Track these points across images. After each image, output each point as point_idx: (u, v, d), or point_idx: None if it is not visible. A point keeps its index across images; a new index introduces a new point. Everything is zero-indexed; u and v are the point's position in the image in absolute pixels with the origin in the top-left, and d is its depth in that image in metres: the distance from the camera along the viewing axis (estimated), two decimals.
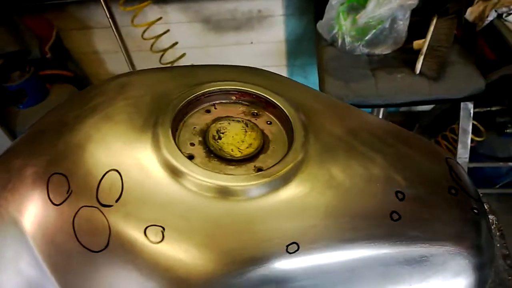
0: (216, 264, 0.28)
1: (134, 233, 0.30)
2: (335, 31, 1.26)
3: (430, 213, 0.32)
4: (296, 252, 0.29)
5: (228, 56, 1.73)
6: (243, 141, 0.37)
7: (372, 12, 1.14)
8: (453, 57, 1.18)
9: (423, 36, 1.22)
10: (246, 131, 0.38)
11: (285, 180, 0.32)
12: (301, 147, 0.34)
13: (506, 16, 1.04)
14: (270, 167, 0.33)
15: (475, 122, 1.35)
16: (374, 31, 1.23)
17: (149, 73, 0.47)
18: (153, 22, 1.41)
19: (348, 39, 1.25)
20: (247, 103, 0.42)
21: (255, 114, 0.41)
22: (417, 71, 1.15)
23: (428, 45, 1.15)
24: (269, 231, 0.29)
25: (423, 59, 1.14)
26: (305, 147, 0.34)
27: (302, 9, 1.52)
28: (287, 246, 0.29)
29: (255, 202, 0.31)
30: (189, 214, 0.31)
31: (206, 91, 0.40)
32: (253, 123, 0.39)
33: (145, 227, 0.30)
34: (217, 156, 0.36)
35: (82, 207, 0.31)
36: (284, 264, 0.28)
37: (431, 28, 1.19)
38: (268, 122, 0.40)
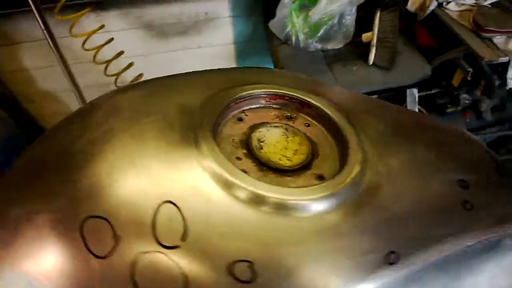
0: None
1: (216, 275, 0.25)
2: (288, 29, 1.28)
3: (493, 195, 0.33)
4: (397, 261, 0.27)
5: (175, 62, 1.67)
6: (286, 148, 0.35)
7: (324, 8, 1.17)
8: (399, 47, 1.26)
9: (370, 29, 1.28)
10: (287, 137, 0.36)
11: (357, 184, 0.31)
12: (358, 146, 0.33)
13: (446, 5, 1.14)
14: (336, 174, 0.31)
15: (418, 106, 1.46)
16: (325, 27, 1.27)
17: (159, 83, 0.43)
18: (95, 31, 1.31)
19: (301, 37, 1.28)
20: (278, 106, 0.40)
21: (289, 117, 0.39)
22: (370, 62, 1.21)
23: (377, 37, 1.22)
24: (364, 243, 0.28)
25: (375, 51, 1.20)
26: (361, 146, 0.33)
27: (250, 9, 1.52)
28: (385, 256, 0.27)
29: (337, 214, 0.28)
30: (274, 241, 0.26)
31: (237, 97, 0.38)
32: (291, 127, 0.38)
33: (228, 264, 0.25)
34: (270, 168, 0.33)
35: (140, 254, 0.25)
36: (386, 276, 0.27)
37: (376, 21, 1.26)
38: (306, 124, 0.38)
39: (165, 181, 0.30)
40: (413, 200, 0.33)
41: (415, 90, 1.37)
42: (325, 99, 0.39)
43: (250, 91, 0.39)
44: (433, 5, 1.15)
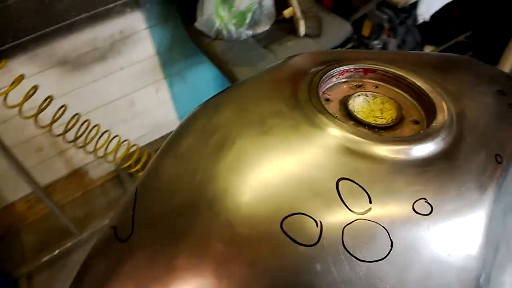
0: None
1: (404, 211, 0.28)
2: (217, 24, 1.31)
3: None
4: (502, 161, 0.32)
5: (102, 90, 1.57)
6: (372, 110, 0.39)
7: None
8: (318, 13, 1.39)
9: (286, 6, 1.38)
10: (368, 101, 0.39)
11: (451, 117, 0.35)
12: (431, 88, 0.38)
13: None
14: (431, 116, 0.35)
15: None
16: (250, 14, 1.32)
17: (244, 85, 0.44)
18: (16, 83, 1.17)
19: (232, 28, 1.32)
20: (346, 79, 0.43)
21: (358, 85, 0.43)
22: (302, 34, 1.31)
23: (300, 10, 1.32)
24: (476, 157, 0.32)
25: (304, 24, 1.30)
26: (431, 87, 0.39)
27: (165, 16, 1.50)
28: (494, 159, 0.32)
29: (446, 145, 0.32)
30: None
31: (318, 81, 0.41)
32: (366, 91, 0.42)
33: (414, 202, 0.29)
34: (375, 128, 0.35)
35: (345, 227, 0.28)
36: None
37: None
38: (375, 87, 0.42)
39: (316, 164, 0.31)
40: (484, 114, 0.40)
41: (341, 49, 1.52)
42: (375, 60, 0.44)
43: (326, 74, 0.42)
44: None
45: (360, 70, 0.44)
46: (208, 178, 0.31)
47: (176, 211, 0.30)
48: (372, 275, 0.27)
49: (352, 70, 0.44)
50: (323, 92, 0.43)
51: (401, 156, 0.31)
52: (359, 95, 0.41)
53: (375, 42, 1.62)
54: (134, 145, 1.45)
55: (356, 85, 0.44)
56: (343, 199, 0.29)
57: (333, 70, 0.43)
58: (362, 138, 0.32)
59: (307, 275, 0.26)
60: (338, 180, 0.29)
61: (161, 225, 0.30)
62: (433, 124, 0.34)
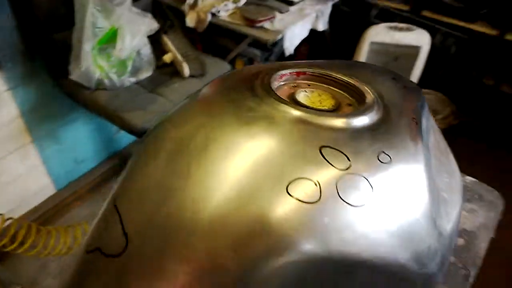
0: None
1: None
2: (97, 75, 1.25)
3: None
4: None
5: None
6: (313, 102, 0.46)
7: (130, 44, 1.22)
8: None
9: (165, 52, 1.42)
10: (308, 96, 0.46)
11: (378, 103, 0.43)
12: (358, 83, 0.45)
13: (218, 13, 1.40)
14: (362, 100, 0.43)
15: None
16: (131, 62, 1.31)
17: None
18: None
19: (114, 77, 1.28)
20: (284, 82, 0.48)
21: (294, 86, 0.49)
22: (187, 75, 1.36)
23: (180, 54, 1.37)
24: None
25: (186, 65, 1.35)
26: (357, 82, 0.46)
27: (29, 75, 1.35)
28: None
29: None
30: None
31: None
32: (302, 88, 0.48)
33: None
34: (319, 111, 0.41)
35: (337, 181, 0.33)
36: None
37: (169, 43, 1.41)
38: (308, 85, 0.48)
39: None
40: (391, 92, 0.50)
41: None
42: (300, 66, 0.51)
43: (272, 76, 0.47)
44: (209, 18, 1.40)
45: (294, 73, 0.50)
46: (202, 176, 0.34)
47: (166, 218, 0.32)
48: (362, 216, 0.33)
49: (288, 74, 0.50)
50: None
51: (356, 125, 0.39)
52: (300, 92, 0.47)
53: None
54: (9, 219, 1.22)
55: (293, 86, 0.50)
56: (329, 161, 0.34)
57: (275, 74, 0.48)
58: (326, 116, 0.39)
59: (317, 229, 0.31)
60: (320, 148, 0.35)
61: (155, 231, 0.31)
62: (366, 102, 0.43)
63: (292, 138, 0.36)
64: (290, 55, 1.55)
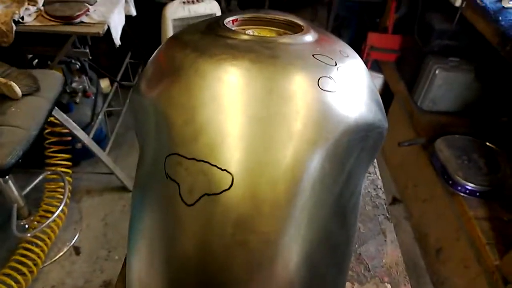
0: None
1: None
2: None
3: None
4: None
5: None
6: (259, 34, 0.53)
7: None
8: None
9: None
10: (269, 31, 0.54)
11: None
12: (296, 18, 0.53)
13: (23, 20, 1.25)
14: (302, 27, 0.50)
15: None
16: None
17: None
18: None
19: None
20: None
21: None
22: (20, 95, 1.18)
23: (2, 77, 1.17)
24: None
25: (15, 84, 1.17)
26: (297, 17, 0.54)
27: None
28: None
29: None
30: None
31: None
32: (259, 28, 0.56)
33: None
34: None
35: None
36: None
37: None
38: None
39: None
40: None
41: None
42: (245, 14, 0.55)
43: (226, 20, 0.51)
44: (13, 28, 1.23)
45: (244, 19, 0.57)
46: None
47: None
48: (357, 93, 0.43)
49: (240, 19, 0.58)
50: None
51: (311, 39, 0.48)
52: (250, 31, 0.57)
53: (74, 84, 1.66)
54: None
55: (242, 28, 0.60)
56: (325, 62, 0.44)
57: (228, 18, 0.56)
58: (298, 36, 0.47)
59: (341, 109, 0.40)
60: (313, 55, 0.44)
61: None
62: (303, 29, 0.51)
63: (290, 54, 0.43)
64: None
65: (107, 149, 1.83)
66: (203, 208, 0.34)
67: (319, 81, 0.39)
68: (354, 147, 0.41)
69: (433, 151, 1.66)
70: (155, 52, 0.52)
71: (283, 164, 0.35)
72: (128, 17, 1.54)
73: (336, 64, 0.43)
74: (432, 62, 1.70)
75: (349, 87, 0.42)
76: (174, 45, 0.48)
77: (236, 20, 0.54)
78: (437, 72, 1.68)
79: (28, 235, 1.47)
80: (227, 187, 0.34)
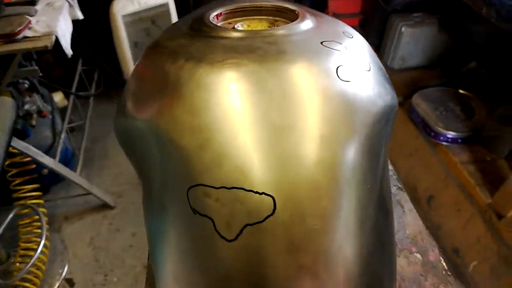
0: None
1: None
2: None
3: None
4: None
5: None
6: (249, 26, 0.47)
7: None
8: None
9: None
10: (259, 22, 0.48)
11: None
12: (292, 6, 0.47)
13: None
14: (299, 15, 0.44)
15: None
16: None
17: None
18: None
19: None
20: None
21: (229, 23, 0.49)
22: None
23: None
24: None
25: None
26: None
27: None
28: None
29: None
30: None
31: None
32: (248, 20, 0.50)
33: None
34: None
35: None
36: None
37: None
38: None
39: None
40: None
41: None
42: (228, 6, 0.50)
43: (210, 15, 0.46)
44: None
45: (228, 12, 0.53)
46: None
47: None
48: (369, 76, 0.40)
49: (224, 13, 0.52)
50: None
51: (310, 26, 0.43)
52: (239, 24, 0.51)
53: (27, 106, 1.50)
54: None
55: (228, 23, 0.54)
56: (336, 49, 0.40)
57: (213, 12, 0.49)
58: (293, 25, 0.42)
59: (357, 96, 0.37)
60: (321, 43, 0.40)
61: None
62: (298, 15, 0.47)
63: (297, 46, 0.38)
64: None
65: (78, 168, 1.69)
66: (248, 241, 0.30)
67: (338, 71, 0.36)
68: (383, 134, 0.39)
69: (411, 107, 1.69)
70: (136, 64, 0.45)
71: (320, 170, 0.31)
72: (73, 21, 1.39)
73: (347, 49, 0.40)
74: (397, 20, 1.70)
75: (366, 72, 0.39)
76: (159, 55, 0.42)
77: (220, 14, 0.49)
78: (403, 29, 1.68)
79: (13, 280, 1.33)
80: (271, 212, 0.30)
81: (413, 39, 1.71)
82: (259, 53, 0.35)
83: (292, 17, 0.46)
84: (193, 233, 0.33)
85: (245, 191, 0.30)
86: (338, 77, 0.35)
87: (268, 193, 0.30)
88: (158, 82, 0.38)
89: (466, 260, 1.43)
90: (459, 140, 1.55)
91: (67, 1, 1.33)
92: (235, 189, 0.30)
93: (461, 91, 1.68)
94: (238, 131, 0.31)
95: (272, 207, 0.30)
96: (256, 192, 0.30)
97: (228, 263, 0.31)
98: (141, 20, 1.82)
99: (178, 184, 0.33)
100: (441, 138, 1.57)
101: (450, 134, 1.55)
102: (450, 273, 0.59)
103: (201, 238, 0.32)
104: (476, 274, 1.38)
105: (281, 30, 0.40)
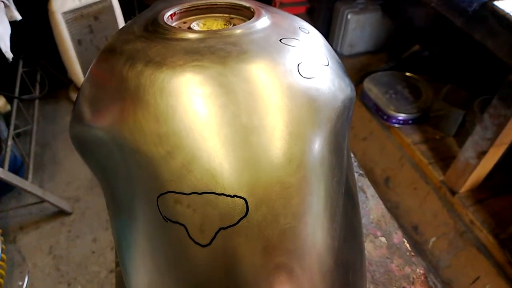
0: None
1: None
2: None
3: None
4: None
5: None
6: (204, 24, 0.46)
7: None
8: None
9: None
10: (215, 20, 0.47)
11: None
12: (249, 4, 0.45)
13: None
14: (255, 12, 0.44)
15: None
16: None
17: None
18: None
19: None
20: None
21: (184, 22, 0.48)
22: None
23: None
24: None
25: None
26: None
27: None
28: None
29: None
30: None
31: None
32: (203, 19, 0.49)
33: None
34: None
35: None
36: None
37: None
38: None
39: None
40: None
41: None
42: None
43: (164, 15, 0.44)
44: None
45: (182, 11, 0.51)
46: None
47: None
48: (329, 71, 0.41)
49: (179, 12, 0.50)
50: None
51: (267, 23, 0.43)
52: (194, 24, 0.50)
53: None
54: None
55: (183, 22, 0.53)
56: (294, 45, 0.39)
57: (167, 12, 0.48)
58: (251, 23, 0.42)
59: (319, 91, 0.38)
60: (280, 40, 0.40)
61: None
62: (254, 12, 0.46)
63: (258, 45, 0.38)
64: None
65: (29, 175, 1.59)
66: (223, 244, 0.30)
67: (299, 68, 0.36)
68: (345, 127, 0.40)
69: (363, 91, 1.75)
70: (91, 68, 0.43)
71: (290, 169, 0.32)
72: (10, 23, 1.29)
73: (305, 45, 0.40)
74: (343, 8, 1.74)
75: (325, 67, 0.40)
76: (116, 60, 0.39)
77: (175, 14, 0.48)
78: (349, 17, 1.73)
79: None
80: (243, 214, 0.30)
81: (359, 26, 1.77)
82: (221, 54, 0.35)
83: (247, 14, 0.46)
84: (165, 240, 0.32)
85: (216, 195, 0.30)
86: (300, 74, 0.36)
87: (240, 195, 0.30)
88: (117, 88, 0.36)
89: (425, 236, 1.53)
90: (410, 121, 1.63)
91: (2, 1, 1.23)
92: (206, 194, 0.30)
93: (407, 73, 1.77)
94: (207, 136, 0.31)
95: (245, 209, 0.30)
96: (228, 195, 0.30)
97: (203, 269, 0.31)
98: (83, 17, 1.73)
99: (146, 192, 0.33)
100: (393, 120, 1.65)
101: (401, 116, 1.63)
102: (414, 254, 0.62)
103: (174, 245, 0.32)
104: (436, 249, 1.48)
105: (240, 29, 0.39)
